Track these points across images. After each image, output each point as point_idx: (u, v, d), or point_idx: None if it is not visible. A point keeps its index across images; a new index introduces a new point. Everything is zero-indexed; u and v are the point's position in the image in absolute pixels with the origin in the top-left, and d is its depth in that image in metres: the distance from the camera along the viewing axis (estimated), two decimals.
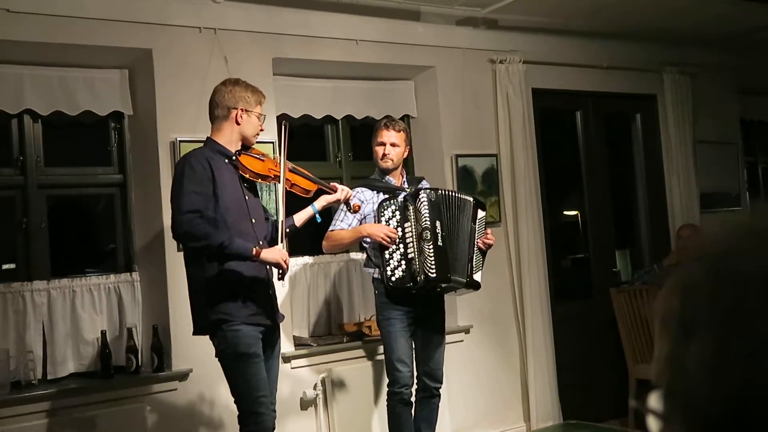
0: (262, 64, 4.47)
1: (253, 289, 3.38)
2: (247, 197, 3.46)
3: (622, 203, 6.41)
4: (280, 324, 3.59)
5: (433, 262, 3.90)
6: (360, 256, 4.73)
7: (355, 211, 3.86)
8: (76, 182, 4.36)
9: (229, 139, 3.46)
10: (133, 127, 4.36)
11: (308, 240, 4.66)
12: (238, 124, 3.45)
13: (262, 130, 3.55)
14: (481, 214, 4.18)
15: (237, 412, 3.38)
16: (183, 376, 4.10)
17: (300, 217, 3.66)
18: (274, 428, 3.46)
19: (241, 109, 3.44)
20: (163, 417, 4.04)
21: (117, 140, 4.40)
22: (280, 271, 3.34)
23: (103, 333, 4.05)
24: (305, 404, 4.47)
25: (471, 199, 4.20)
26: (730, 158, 6.64)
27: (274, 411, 3.51)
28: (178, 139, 4.11)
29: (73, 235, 4.61)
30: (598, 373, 5.65)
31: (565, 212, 6.45)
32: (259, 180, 3.53)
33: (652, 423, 0.56)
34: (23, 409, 3.72)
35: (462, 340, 5.07)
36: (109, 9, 4.06)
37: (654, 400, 0.56)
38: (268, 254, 3.30)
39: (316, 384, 4.49)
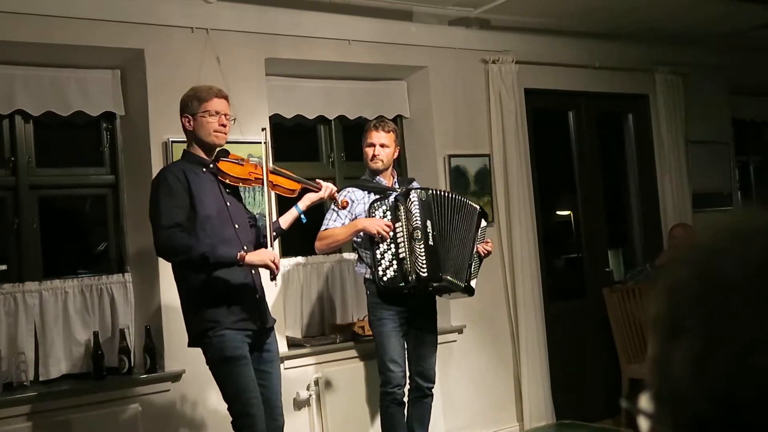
0: (255, 65, 4.46)
1: (239, 295, 3.37)
2: (228, 203, 3.44)
3: (615, 203, 6.43)
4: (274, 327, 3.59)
5: (424, 262, 3.91)
6: (353, 256, 4.73)
7: (344, 207, 3.86)
8: (67, 183, 4.34)
9: (196, 148, 3.45)
10: (125, 128, 4.35)
11: (301, 240, 4.66)
12: (190, 131, 3.44)
13: (222, 125, 3.41)
14: (483, 223, 4.22)
15: (230, 416, 3.37)
16: (175, 377, 4.10)
17: (285, 219, 3.65)
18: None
19: (185, 117, 3.42)
20: (156, 418, 4.03)
21: (109, 141, 4.39)
22: (271, 273, 3.31)
23: (96, 334, 4.03)
24: (299, 404, 4.47)
25: (478, 207, 4.23)
26: (722, 158, 6.66)
27: (281, 416, 3.51)
28: (171, 139, 4.10)
29: (65, 236, 4.60)
30: (591, 373, 5.66)
31: (558, 212, 6.46)
32: (240, 184, 3.51)
33: (642, 423, 0.57)
34: (15, 411, 3.70)
35: (455, 340, 5.08)
36: (101, 9, 4.05)
37: (644, 401, 0.57)
38: (253, 257, 3.28)
39: (309, 384, 4.49)
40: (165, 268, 4.02)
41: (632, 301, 5.55)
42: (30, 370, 3.93)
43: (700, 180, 6.38)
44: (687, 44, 6.20)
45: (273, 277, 3.34)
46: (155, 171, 4.04)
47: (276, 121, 4.70)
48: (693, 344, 0.53)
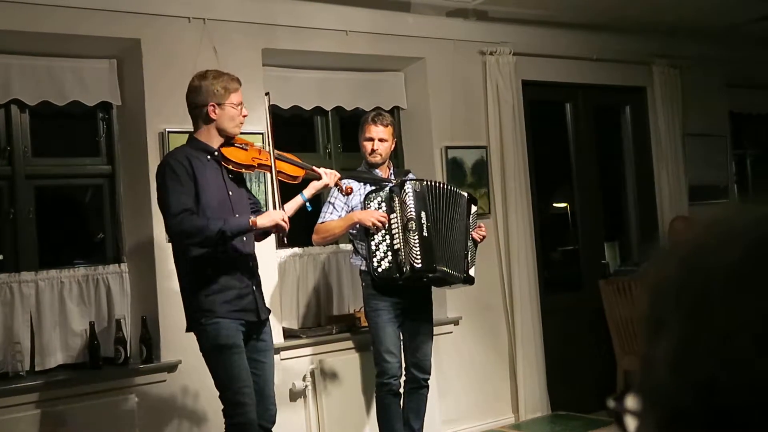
0: (252, 55, 4.45)
1: (235, 285, 3.37)
2: (231, 192, 3.43)
3: (612, 195, 6.43)
4: (269, 316, 3.60)
5: (418, 253, 3.92)
6: (348, 247, 4.73)
7: (348, 194, 3.86)
8: (64, 173, 4.34)
9: (209, 135, 3.40)
10: (122, 118, 4.34)
11: (297, 231, 4.65)
12: (213, 120, 3.38)
13: (244, 116, 3.43)
14: (473, 208, 4.22)
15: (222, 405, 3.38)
16: (172, 368, 4.10)
17: (290, 207, 3.62)
18: (273, 422, 3.50)
19: (212, 105, 3.36)
20: (152, 408, 4.03)
21: (105, 131, 4.38)
22: (282, 232, 3.33)
23: (92, 324, 4.03)
24: (294, 395, 4.48)
25: (465, 194, 4.23)
26: (719, 151, 6.66)
27: (274, 405, 3.52)
28: (167, 129, 4.09)
29: (62, 226, 4.59)
30: (587, 365, 5.67)
31: (555, 204, 6.46)
32: (244, 170, 3.50)
33: (630, 422, 0.57)
34: (11, 401, 3.71)
35: (451, 332, 5.08)
36: None
37: (631, 400, 0.57)
38: (263, 219, 3.31)
39: (305, 375, 4.50)
40: (162, 259, 4.03)
41: (628, 293, 5.55)
42: (26, 360, 3.93)
43: (697, 172, 6.38)
44: (685, 37, 6.19)
45: (284, 236, 3.36)
46: (152, 161, 4.05)
47: (272, 112, 4.68)
48: (673, 338, 0.53)
